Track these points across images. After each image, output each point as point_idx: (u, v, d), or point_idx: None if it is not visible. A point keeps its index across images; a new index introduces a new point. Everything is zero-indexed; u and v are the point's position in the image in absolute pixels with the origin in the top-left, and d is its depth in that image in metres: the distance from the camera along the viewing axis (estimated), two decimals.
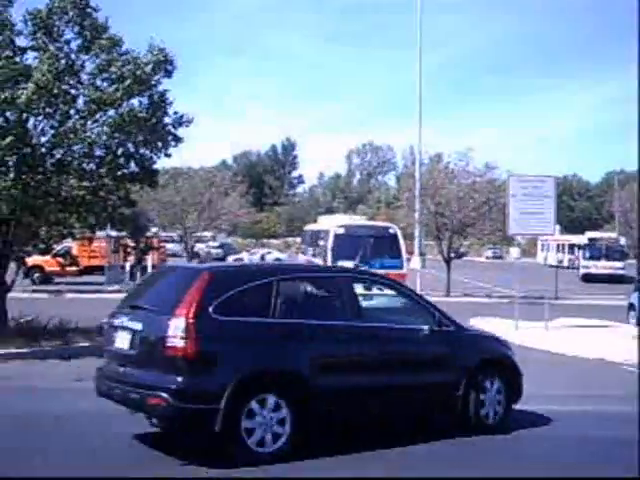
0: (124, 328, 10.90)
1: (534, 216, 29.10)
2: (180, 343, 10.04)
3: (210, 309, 10.32)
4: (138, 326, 10.64)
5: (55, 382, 16.83)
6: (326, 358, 11.12)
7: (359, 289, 12.48)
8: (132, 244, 26.87)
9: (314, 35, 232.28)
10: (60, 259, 32.50)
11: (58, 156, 21.43)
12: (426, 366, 12.28)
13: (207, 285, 10.55)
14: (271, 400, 10.42)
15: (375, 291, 13.52)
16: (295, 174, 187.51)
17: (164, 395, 10.01)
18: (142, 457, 11.07)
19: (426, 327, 12.19)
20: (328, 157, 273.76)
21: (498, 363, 13.08)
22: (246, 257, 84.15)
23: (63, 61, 21.05)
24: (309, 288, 12.04)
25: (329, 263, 31.43)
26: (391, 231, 34.88)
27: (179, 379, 10.07)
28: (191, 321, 10.10)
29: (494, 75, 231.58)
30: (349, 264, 29.61)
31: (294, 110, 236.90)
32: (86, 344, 21.50)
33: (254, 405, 10.31)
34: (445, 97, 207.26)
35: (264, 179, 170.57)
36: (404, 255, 33.88)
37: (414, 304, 12.74)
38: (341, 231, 34.09)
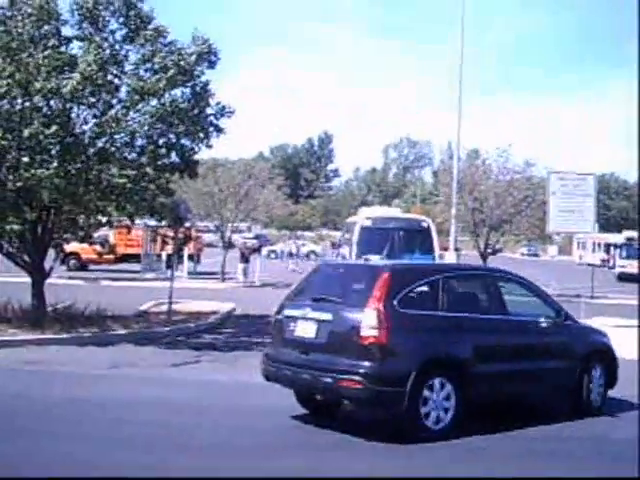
0: (308, 319, 12.02)
1: (574, 214, 29.11)
2: (373, 332, 11.28)
3: (394, 302, 11.60)
4: (326, 317, 11.77)
5: (92, 368, 16.98)
6: (481, 346, 12.35)
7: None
8: (171, 234, 27.03)
9: (356, 27, 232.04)
10: (98, 247, 32.74)
11: (100, 145, 21.59)
12: (553, 354, 13.60)
13: (390, 282, 11.79)
14: (441, 383, 11.67)
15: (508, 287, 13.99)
16: (331, 167, 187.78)
17: (359, 378, 11.18)
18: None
19: (553, 320, 13.60)
20: (365, 151, 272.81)
21: (602, 352, 14.39)
22: (280, 248, 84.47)
23: (107, 51, 21.25)
24: (467, 285, 13.55)
25: (354, 257, 29.16)
26: (424, 224, 31.76)
27: (373, 364, 11.24)
28: (382, 313, 11.36)
29: (533, 67, 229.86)
30: (375, 259, 28.65)
31: (332, 103, 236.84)
32: (123, 332, 21.80)
33: (429, 388, 11.52)
34: (484, 89, 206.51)
35: (300, 172, 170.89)
36: (437, 250, 30.81)
37: (541, 300, 14.00)
38: (368, 223, 31.56)
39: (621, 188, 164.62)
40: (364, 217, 32.78)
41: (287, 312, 12.58)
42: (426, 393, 11.45)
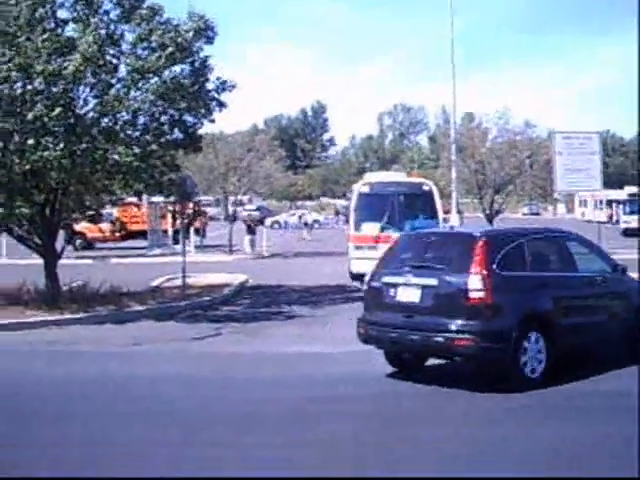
0: (411, 285, 12.93)
1: (580, 173, 29.11)
2: (480, 294, 12.31)
3: (494, 266, 12.62)
4: (431, 282, 12.70)
5: (114, 346, 17.11)
6: (562, 301, 13.47)
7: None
8: (180, 209, 27.10)
9: (343, 1, 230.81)
10: (109, 225, 32.78)
11: (104, 124, 21.62)
12: (616, 305, 14.69)
13: (486, 247, 12.82)
14: (535, 337, 12.69)
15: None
16: (327, 136, 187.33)
17: (471, 336, 12.22)
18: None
19: (611, 274, 14.63)
20: (360, 119, 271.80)
21: None
22: (283, 219, 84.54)
23: (103, 31, 21.16)
24: (543, 246, 14.40)
25: (352, 225, 29.40)
26: (425, 188, 29.66)
27: (482, 323, 12.31)
28: (485, 276, 12.40)
29: (525, 34, 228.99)
30: (374, 227, 28.47)
31: (325, 73, 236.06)
32: (140, 308, 22.01)
33: (527, 341, 12.56)
34: (476, 58, 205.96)
35: (296, 142, 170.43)
36: (440, 215, 29.12)
37: (600, 256, 15.14)
38: (366, 189, 29.96)
39: (618, 145, 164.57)
40: (362, 183, 31.28)
41: (386, 279, 13.39)
42: (525, 345, 12.51)
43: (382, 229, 28.32)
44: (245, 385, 13.47)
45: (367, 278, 13.98)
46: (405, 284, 13.01)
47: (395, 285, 13.16)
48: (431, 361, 14.04)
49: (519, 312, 12.64)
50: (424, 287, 12.73)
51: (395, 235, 23.64)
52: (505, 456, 9.30)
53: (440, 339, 12.42)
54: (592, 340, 14.39)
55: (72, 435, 10.29)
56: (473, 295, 12.30)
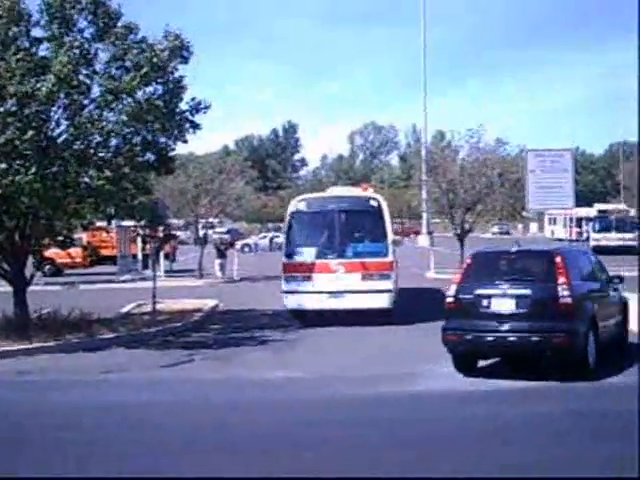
0: (505, 295, 15.05)
1: (553, 190, 29.00)
2: (568, 300, 14.81)
3: (572, 277, 15.22)
4: (525, 292, 14.99)
5: (86, 375, 16.73)
6: (600, 306, 16.23)
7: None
8: (151, 233, 26.68)
9: (311, 16, 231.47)
10: (80, 250, 32.25)
11: (76, 147, 21.22)
12: (616, 307, 17.82)
13: (564, 262, 15.44)
14: (592, 334, 15.26)
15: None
16: (298, 157, 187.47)
17: (564, 335, 14.66)
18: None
19: (609, 282, 17.58)
20: (330, 139, 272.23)
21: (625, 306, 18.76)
22: (253, 242, 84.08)
23: (77, 51, 20.80)
24: (582, 260, 17.08)
25: (284, 251, 25.16)
26: (372, 203, 25.00)
27: (570, 323, 14.78)
28: (569, 285, 14.98)
29: (495, 50, 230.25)
30: (309, 253, 24.42)
31: (295, 93, 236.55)
32: (110, 335, 21.61)
33: (591, 338, 15.18)
34: (447, 74, 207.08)
35: (267, 163, 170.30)
36: (390, 236, 24.66)
37: (600, 267, 17.92)
38: (301, 207, 25.26)
39: (587, 162, 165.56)
40: (297, 200, 26.14)
41: (478, 292, 15.28)
42: (589, 341, 15.10)
43: (317, 256, 24.41)
44: (221, 410, 13.25)
45: (452, 292, 15.64)
46: (500, 295, 15.10)
47: (489, 296, 15.16)
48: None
49: (587, 314, 15.38)
50: (518, 297, 14.94)
51: (335, 262, 24.05)
52: None
53: (536, 338, 14.70)
54: (609, 339, 16.61)
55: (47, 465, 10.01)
56: (563, 301, 14.79)
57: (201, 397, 14.42)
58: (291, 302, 24.42)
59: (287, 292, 24.56)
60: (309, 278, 24.11)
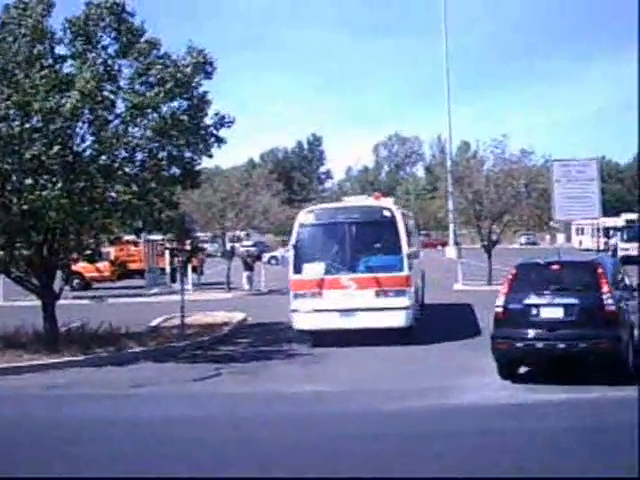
0: (553, 304, 15.85)
1: (579, 200, 28.84)
2: (612, 308, 15.61)
3: (612, 286, 16.05)
4: (572, 301, 15.76)
5: (115, 389, 16.79)
6: (633, 313, 16.94)
7: None
8: (178, 246, 26.76)
9: (335, 28, 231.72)
10: (106, 264, 32.42)
11: (102, 162, 21.38)
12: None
13: (605, 271, 16.34)
14: (631, 340, 16.26)
15: None
16: (323, 169, 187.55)
17: (609, 341, 15.40)
18: None
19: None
20: (355, 151, 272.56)
21: None
22: (280, 254, 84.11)
23: (101, 67, 21.01)
24: (617, 270, 17.94)
25: (291, 266, 23.37)
26: (386, 214, 23.35)
27: (614, 330, 15.54)
28: (613, 293, 15.83)
29: (518, 60, 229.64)
30: (318, 269, 22.82)
31: (319, 105, 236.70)
32: (139, 349, 21.63)
33: (630, 345, 16.08)
34: (470, 84, 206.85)
35: (292, 176, 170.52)
36: (405, 248, 22.79)
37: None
38: (309, 219, 23.75)
39: (613, 171, 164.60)
40: (305, 211, 24.62)
41: (527, 301, 16.08)
42: (629, 346, 15.98)
43: (327, 271, 22.84)
44: (250, 424, 13.21)
45: (501, 302, 16.34)
46: (548, 304, 15.90)
47: (538, 305, 15.96)
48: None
49: (627, 321, 16.24)
50: (565, 305, 15.72)
51: (346, 278, 22.47)
52: None
53: (583, 345, 15.39)
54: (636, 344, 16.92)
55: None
56: (608, 309, 15.54)
57: (229, 411, 14.41)
58: (299, 322, 22.85)
59: (295, 311, 22.93)
60: (319, 295, 22.63)
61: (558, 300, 15.86)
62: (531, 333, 15.90)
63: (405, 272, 22.58)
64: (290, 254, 23.68)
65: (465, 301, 31.46)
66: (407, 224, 24.94)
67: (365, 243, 23.39)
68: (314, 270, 22.80)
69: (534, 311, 15.97)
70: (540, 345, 15.77)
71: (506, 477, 9.65)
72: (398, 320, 22.20)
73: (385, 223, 23.09)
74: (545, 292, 16.11)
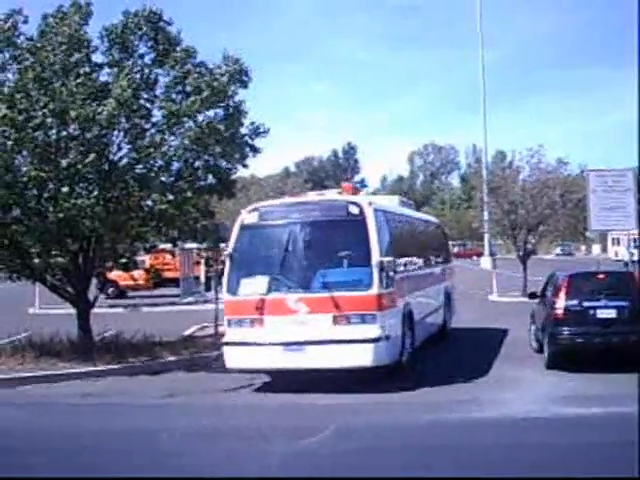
0: (608, 307, 18.47)
1: (615, 211, 28.50)
2: None
3: None
4: (623, 303, 18.47)
5: (150, 398, 16.77)
6: None
7: None
8: (213, 255, 26.79)
9: (370, 37, 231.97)
10: (141, 273, 32.51)
11: (138, 171, 21.41)
12: None
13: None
14: None
15: None
16: (358, 178, 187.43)
17: None
18: None
19: None
20: (390, 160, 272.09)
21: None
22: None
23: (137, 75, 21.10)
24: None
25: (225, 282, 18.22)
26: (353, 210, 17.54)
27: None
28: None
29: (555, 69, 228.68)
30: (259, 286, 17.37)
31: (354, 114, 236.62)
32: (172, 358, 21.60)
33: None
34: (506, 93, 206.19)
35: (327, 185, 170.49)
36: (376, 257, 16.89)
37: None
38: (252, 218, 18.34)
39: None
40: (248, 210, 18.88)
41: (586, 304, 18.56)
42: None
43: (270, 289, 17.32)
44: (286, 435, 13.02)
45: (561, 305, 18.64)
46: (604, 306, 18.51)
47: (594, 307, 18.51)
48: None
49: None
50: (617, 307, 18.46)
51: (294, 298, 16.99)
52: None
53: (634, 338, 17.85)
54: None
55: None
56: None
57: (264, 422, 14.27)
58: (232, 359, 17.82)
59: (227, 344, 17.96)
60: (258, 322, 17.29)
61: (612, 303, 18.62)
62: (590, 330, 18.44)
63: (375, 290, 16.80)
64: (226, 266, 18.31)
65: (499, 317, 29.43)
66: (393, 225, 19.66)
67: (323, 250, 17.65)
68: (253, 288, 17.40)
69: (591, 312, 18.63)
70: (598, 340, 18.34)
71: None
72: (362, 358, 16.64)
73: (352, 223, 17.39)
74: (598, 296, 18.80)
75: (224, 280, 18.28)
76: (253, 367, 17.74)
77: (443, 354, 21.92)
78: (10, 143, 19.90)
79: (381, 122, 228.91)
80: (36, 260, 21.20)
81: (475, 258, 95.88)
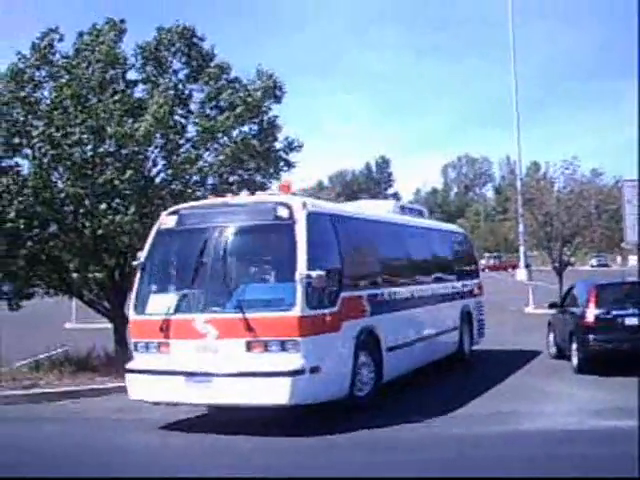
0: (635, 315, 19.17)
1: None
2: None
3: None
4: None
5: (183, 414, 16.75)
6: None
7: None
8: None
9: (402, 51, 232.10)
10: None
11: (173, 187, 21.54)
12: None
13: None
14: None
15: None
16: (391, 191, 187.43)
17: None
18: None
19: None
20: (423, 172, 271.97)
21: None
22: None
23: (172, 92, 21.27)
24: None
25: (133, 299, 15.42)
26: (281, 214, 14.38)
27: None
28: None
29: (588, 80, 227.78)
30: (165, 304, 14.46)
31: (387, 127, 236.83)
32: None
33: None
34: (539, 104, 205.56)
35: (360, 197, 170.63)
36: (302, 270, 13.65)
37: None
38: (170, 223, 15.50)
39: None
40: (166, 213, 16.07)
41: (614, 313, 19.46)
42: None
43: (178, 308, 14.43)
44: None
45: (591, 314, 19.52)
46: (632, 314, 19.31)
47: (622, 316, 19.40)
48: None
49: None
50: None
51: (202, 320, 13.96)
52: None
53: None
54: None
55: None
56: None
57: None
58: (135, 389, 15.01)
59: (133, 371, 15.06)
60: (165, 347, 14.46)
61: (638, 311, 19.36)
62: (619, 336, 19.30)
63: (297, 310, 13.51)
64: (136, 279, 15.47)
65: (534, 331, 27.41)
66: (348, 233, 15.95)
67: (244, 262, 14.88)
68: (161, 306, 14.59)
69: (619, 320, 19.50)
70: (626, 346, 19.14)
71: None
72: (278, 394, 13.35)
73: (279, 229, 14.32)
74: (625, 305, 19.74)
75: (132, 295, 15.52)
76: (156, 400, 14.92)
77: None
78: (47, 160, 20.13)
79: (413, 135, 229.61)
80: (74, 275, 21.40)
81: (510, 270, 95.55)
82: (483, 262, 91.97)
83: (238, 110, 21.23)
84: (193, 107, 22.20)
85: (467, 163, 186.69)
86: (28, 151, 20.84)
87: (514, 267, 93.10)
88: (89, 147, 20.71)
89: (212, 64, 22.15)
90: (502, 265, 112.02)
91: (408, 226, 20.45)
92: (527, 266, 69.20)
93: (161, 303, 14.53)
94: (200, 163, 21.53)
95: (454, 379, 19.96)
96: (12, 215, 19.90)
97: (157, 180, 21.56)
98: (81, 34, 21.67)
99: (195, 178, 21.87)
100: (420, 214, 23.15)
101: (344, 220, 16.20)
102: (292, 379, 13.26)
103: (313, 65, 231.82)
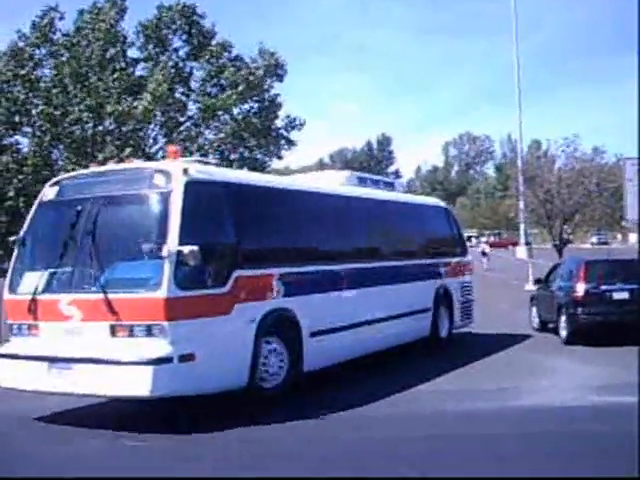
0: (623, 289, 19.78)
1: None
2: None
3: None
4: (635, 286, 19.61)
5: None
6: None
7: None
8: None
9: (404, 28, 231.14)
10: None
11: None
12: None
13: None
14: None
15: None
16: (392, 169, 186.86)
17: None
18: None
19: None
20: (425, 150, 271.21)
21: None
22: None
23: (172, 70, 21.28)
24: None
25: (9, 273, 13.33)
26: (158, 182, 12.03)
27: None
28: None
29: (590, 57, 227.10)
30: (34, 282, 12.60)
31: (388, 105, 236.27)
32: None
33: None
34: (540, 83, 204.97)
35: None
36: (173, 247, 11.20)
37: None
38: (51, 194, 13.36)
39: None
40: (49, 184, 13.72)
41: (603, 288, 19.96)
42: None
43: (46, 287, 12.66)
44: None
45: (581, 288, 19.99)
46: (619, 289, 20.00)
47: (611, 290, 20.02)
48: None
49: None
50: (630, 290, 19.81)
51: (67, 300, 12.11)
52: None
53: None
54: None
55: None
56: None
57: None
58: (4, 375, 12.89)
59: (3, 356, 12.98)
60: (34, 329, 12.85)
61: (626, 286, 20.10)
62: (607, 310, 19.97)
63: (164, 291, 11.42)
64: (13, 256, 13.78)
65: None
66: (252, 204, 13.57)
67: (117, 236, 12.80)
68: (32, 285, 12.97)
69: (608, 294, 20.17)
70: (614, 318, 19.88)
71: None
72: (138, 385, 11.31)
73: (155, 199, 12.34)
74: (612, 281, 20.36)
75: (8, 273, 13.69)
76: (20, 387, 12.84)
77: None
78: (47, 138, 20.16)
79: (415, 113, 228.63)
80: None
81: (511, 248, 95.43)
82: (483, 239, 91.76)
83: (240, 88, 21.26)
84: (194, 85, 22.19)
85: (468, 141, 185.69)
86: (28, 129, 20.84)
87: (514, 244, 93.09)
88: (89, 125, 20.73)
89: (213, 42, 22.15)
90: (502, 242, 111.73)
91: (351, 198, 17.32)
92: (527, 244, 69.20)
93: (33, 282, 12.88)
94: (200, 140, 21.55)
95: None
96: (12, 194, 19.95)
97: (158, 158, 21.53)
98: (81, 12, 21.67)
99: (196, 155, 21.88)
100: (390, 186, 20.63)
101: (246, 190, 13.85)
102: (154, 368, 11.20)
103: (314, 44, 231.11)
